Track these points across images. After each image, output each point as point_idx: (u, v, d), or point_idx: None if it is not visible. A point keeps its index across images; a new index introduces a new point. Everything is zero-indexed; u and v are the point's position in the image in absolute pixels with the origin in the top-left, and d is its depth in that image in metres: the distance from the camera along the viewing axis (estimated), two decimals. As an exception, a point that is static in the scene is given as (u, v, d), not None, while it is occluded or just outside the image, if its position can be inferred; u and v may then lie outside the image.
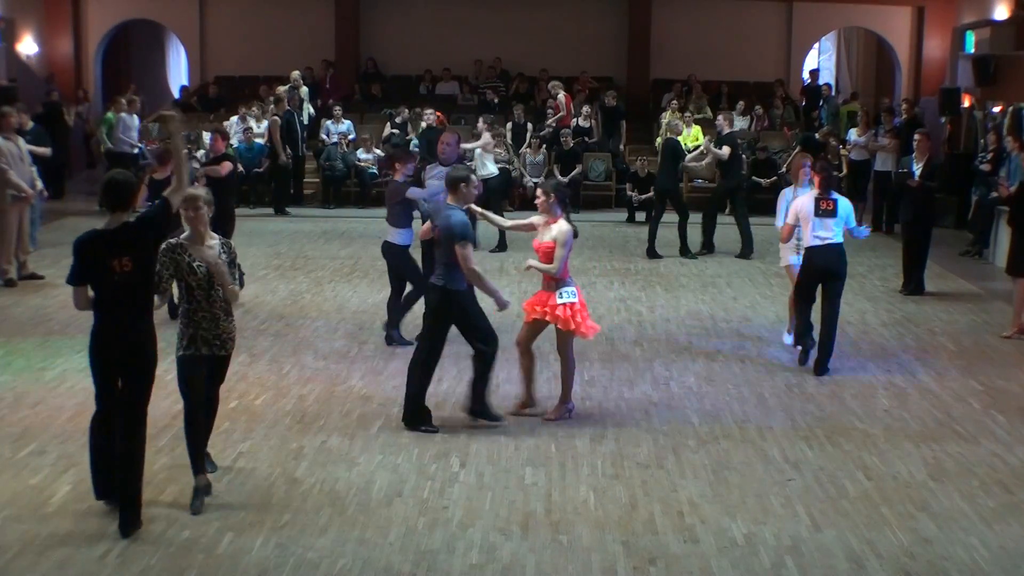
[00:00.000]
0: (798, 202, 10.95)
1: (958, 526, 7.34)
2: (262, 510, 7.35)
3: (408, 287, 11.56)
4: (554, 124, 22.95)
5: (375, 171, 22.25)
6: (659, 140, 21.74)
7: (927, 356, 11.63)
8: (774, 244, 11.16)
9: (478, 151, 17.63)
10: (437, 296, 8.98)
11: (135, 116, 21.20)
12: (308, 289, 14.34)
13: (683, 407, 9.71)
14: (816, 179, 10.89)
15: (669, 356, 11.41)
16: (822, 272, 10.70)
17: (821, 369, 10.72)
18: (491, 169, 17.82)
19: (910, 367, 11.16)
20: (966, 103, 22.67)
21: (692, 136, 21.58)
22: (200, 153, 20.42)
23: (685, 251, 17.18)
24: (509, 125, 22.45)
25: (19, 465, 8.08)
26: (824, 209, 10.66)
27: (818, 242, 10.64)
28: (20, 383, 10.06)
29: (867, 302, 13.99)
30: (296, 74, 23.14)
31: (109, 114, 21.19)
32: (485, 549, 6.85)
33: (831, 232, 10.65)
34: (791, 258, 11.53)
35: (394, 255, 11.51)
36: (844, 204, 10.79)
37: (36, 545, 6.78)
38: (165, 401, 9.38)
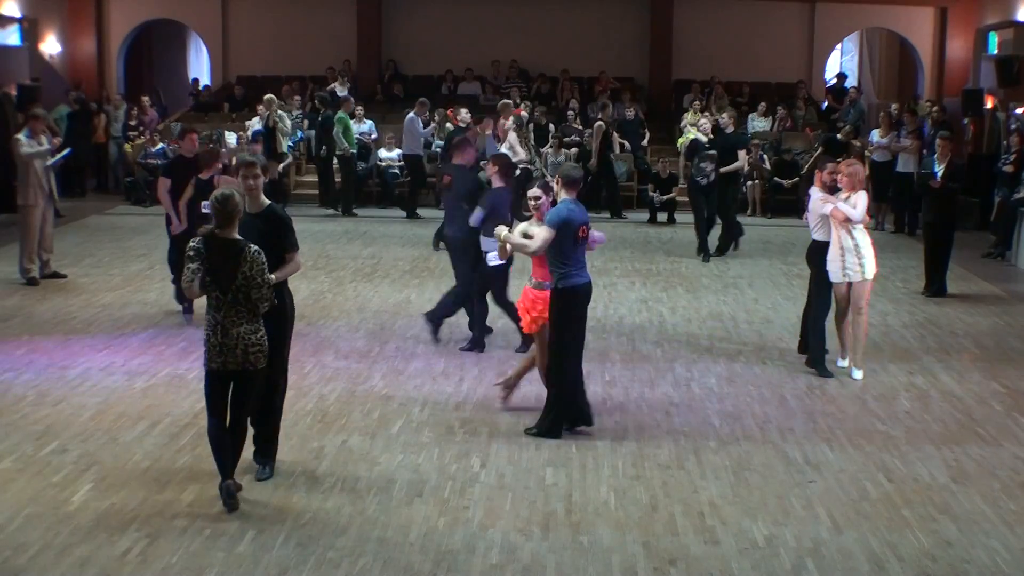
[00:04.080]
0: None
1: (979, 529, 7.31)
2: (283, 509, 7.36)
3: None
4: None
5: (397, 171, 22.30)
6: (680, 140, 21.65)
7: (949, 358, 11.58)
8: (797, 245, 10.97)
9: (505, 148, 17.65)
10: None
11: (420, 120, 21.19)
12: (329, 289, 14.37)
13: (704, 408, 9.70)
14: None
15: (690, 357, 11.39)
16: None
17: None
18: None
19: (932, 369, 11.11)
20: (989, 104, 22.56)
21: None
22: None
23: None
24: (532, 125, 22.43)
25: (41, 463, 8.12)
26: None
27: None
28: (42, 381, 10.10)
29: (889, 304, 13.93)
30: (270, 97, 22.51)
31: (341, 113, 21.15)
32: (505, 549, 6.85)
33: None
34: (837, 272, 10.66)
35: None
36: None
37: (57, 543, 6.80)
38: (187, 400, 9.44)
